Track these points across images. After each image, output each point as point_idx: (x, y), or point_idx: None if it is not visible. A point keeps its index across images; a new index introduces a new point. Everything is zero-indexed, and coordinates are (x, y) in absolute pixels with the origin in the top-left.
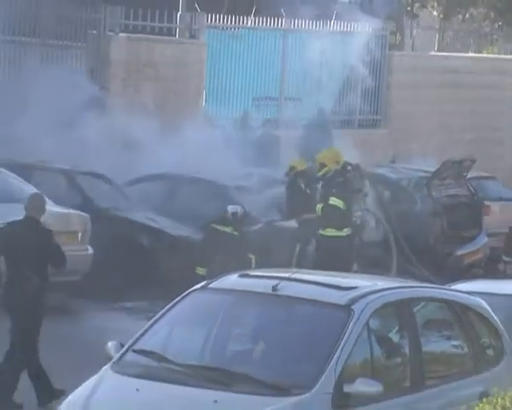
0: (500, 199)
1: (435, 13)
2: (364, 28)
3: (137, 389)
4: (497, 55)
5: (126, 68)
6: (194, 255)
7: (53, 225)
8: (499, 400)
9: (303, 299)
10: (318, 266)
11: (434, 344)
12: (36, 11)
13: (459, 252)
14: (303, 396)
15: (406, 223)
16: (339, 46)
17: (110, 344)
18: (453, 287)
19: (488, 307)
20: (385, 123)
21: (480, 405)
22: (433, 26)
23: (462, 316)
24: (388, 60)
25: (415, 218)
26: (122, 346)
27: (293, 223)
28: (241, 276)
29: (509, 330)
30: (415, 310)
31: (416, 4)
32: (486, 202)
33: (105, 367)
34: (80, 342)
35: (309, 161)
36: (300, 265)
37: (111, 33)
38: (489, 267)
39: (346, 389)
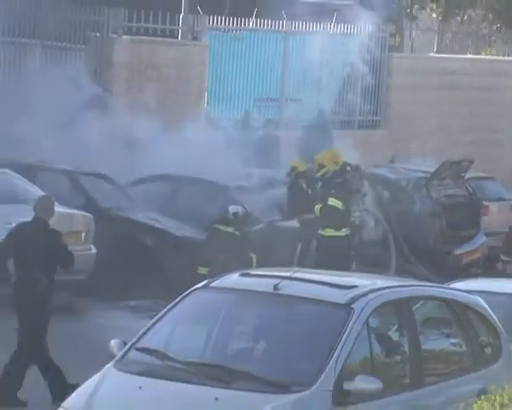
0: (499, 199)
1: (434, 15)
2: (364, 30)
3: (140, 387)
4: (495, 57)
5: (129, 70)
6: (197, 255)
7: (56, 225)
8: (497, 397)
9: (304, 298)
10: (318, 265)
11: (433, 342)
12: (40, 13)
13: (458, 251)
14: (303, 393)
15: (405, 223)
16: (339, 48)
17: (113, 342)
18: (452, 286)
19: (486, 306)
20: (384, 124)
21: (479, 402)
22: (432, 28)
23: (460, 314)
24: (388, 61)
25: (414, 218)
26: (125, 344)
27: (294, 223)
28: (242, 275)
29: (507, 328)
30: (414, 308)
31: (416, 6)
32: (485, 202)
33: (108, 365)
34: (84, 340)
35: (309, 162)
36: (302, 264)
37: (114, 35)
38: (487, 266)
39: (346, 386)
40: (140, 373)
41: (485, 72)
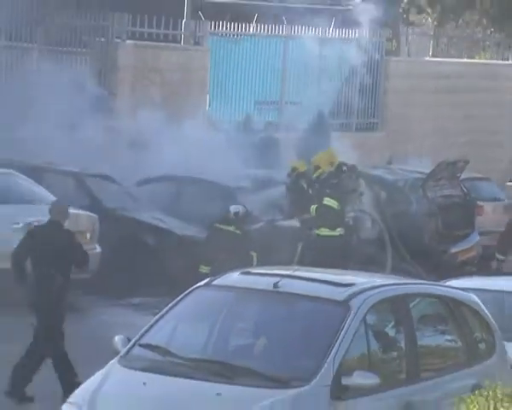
0: (493, 199)
1: (430, 20)
2: (362, 35)
3: (144, 383)
4: (489, 61)
5: (133, 74)
6: (199, 254)
7: None
8: (491, 392)
9: (303, 295)
10: (313, 264)
11: (429, 338)
12: (47, 19)
13: (453, 250)
14: (303, 388)
15: (402, 222)
16: (337, 52)
17: (117, 339)
18: (447, 284)
19: (480, 303)
20: (382, 126)
21: (473, 397)
22: (428, 32)
23: (455, 311)
24: (385, 65)
25: (410, 217)
26: (129, 340)
27: (293, 222)
28: (243, 273)
29: (501, 324)
30: (410, 306)
31: (412, 10)
32: (479, 202)
33: (112, 361)
34: (88, 336)
35: (309, 163)
36: (302, 263)
37: (118, 40)
38: (481, 265)
39: (345, 381)
40: (144, 369)
41: (479, 75)
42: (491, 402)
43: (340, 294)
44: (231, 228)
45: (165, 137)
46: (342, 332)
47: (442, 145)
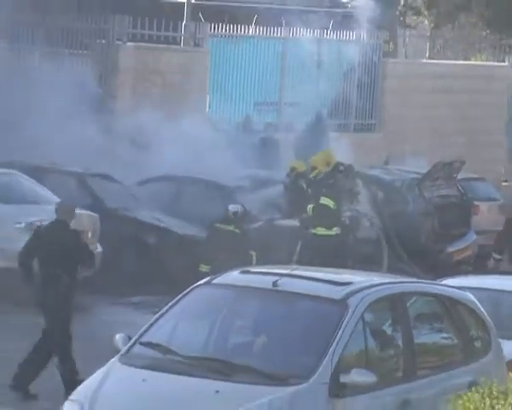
0: (489, 199)
1: (426, 22)
2: (360, 37)
3: (144, 380)
4: (485, 62)
5: (134, 75)
6: (199, 253)
7: None
8: (487, 389)
9: (301, 294)
10: (310, 263)
11: (426, 336)
12: (49, 22)
13: (449, 249)
14: (301, 386)
15: (399, 222)
16: (335, 54)
17: (118, 337)
18: (443, 282)
19: (476, 301)
20: (379, 127)
21: (469, 394)
22: (425, 34)
23: (451, 309)
24: (382, 67)
25: (407, 217)
26: (129, 339)
27: (292, 221)
28: (242, 272)
29: (496, 322)
30: (407, 304)
31: (409, 12)
32: (475, 202)
33: (113, 359)
34: (90, 335)
35: (307, 164)
36: (301, 262)
37: (119, 42)
38: (477, 264)
39: (343, 379)
40: (144, 367)
41: (475, 76)
42: (487, 399)
43: (337, 292)
44: (231, 228)
45: (165, 138)
46: (340, 330)
47: (438, 146)
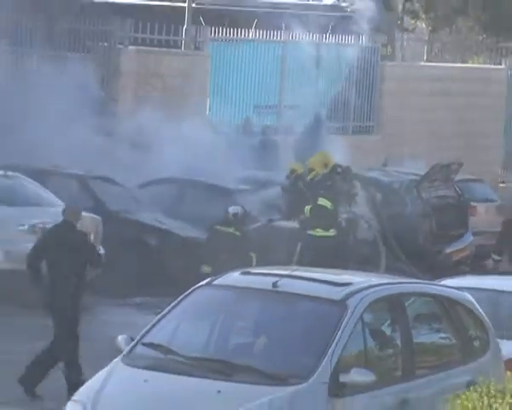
0: (486, 200)
1: (424, 25)
2: (358, 40)
3: (146, 381)
4: (481, 65)
5: (135, 78)
6: (200, 255)
7: None
8: (485, 388)
9: (301, 295)
10: (309, 264)
11: (424, 336)
12: (51, 25)
13: (447, 250)
14: (301, 386)
15: (398, 223)
16: (334, 57)
17: (120, 338)
18: (442, 283)
19: (474, 301)
20: (378, 129)
21: (467, 393)
22: (422, 38)
23: (450, 310)
24: (380, 70)
25: (406, 218)
26: (132, 339)
27: (292, 223)
28: (243, 273)
29: (494, 322)
30: (406, 304)
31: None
32: (473, 203)
33: (116, 360)
34: (93, 335)
35: (304, 165)
36: (301, 263)
37: (121, 46)
38: (475, 264)
39: (342, 378)
40: (146, 367)
41: (472, 79)
42: (485, 398)
43: (337, 293)
44: (231, 230)
45: (166, 140)
46: (339, 331)
47: (436, 148)
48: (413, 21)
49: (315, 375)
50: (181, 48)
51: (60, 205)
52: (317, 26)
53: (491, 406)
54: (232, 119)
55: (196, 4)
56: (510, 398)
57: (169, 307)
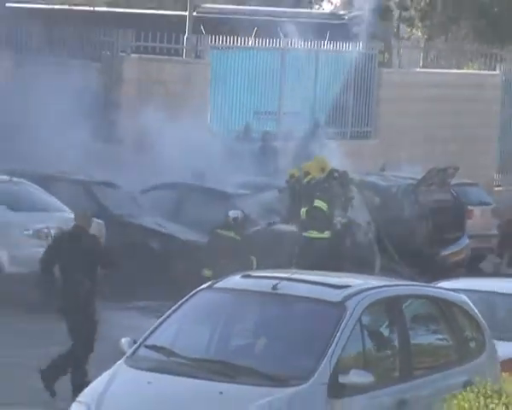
0: (481, 204)
1: (419, 33)
2: (356, 48)
3: (149, 382)
4: (476, 72)
5: (138, 86)
6: (201, 258)
7: None
8: (481, 388)
9: (301, 297)
10: (304, 267)
11: (421, 338)
12: (59, 35)
13: (444, 253)
14: (301, 387)
15: (395, 226)
16: (332, 64)
17: (124, 340)
18: (438, 285)
19: (471, 303)
20: (375, 134)
21: (464, 393)
22: (419, 45)
23: (446, 311)
24: (378, 76)
25: (403, 221)
26: (135, 342)
27: (290, 226)
28: (243, 276)
29: (490, 323)
30: (403, 306)
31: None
32: (469, 207)
33: (119, 362)
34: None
35: (299, 169)
36: (298, 265)
37: (123, 54)
38: (471, 266)
39: (341, 379)
40: (149, 369)
41: (467, 85)
42: (481, 398)
43: (336, 295)
44: (231, 234)
45: (167, 146)
46: (338, 332)
47: (433, 152)
48: (409, 30)
49: (314, 376)
50: (182, 56)
51: (64, 210)
52: (316, 33)
53: (487, 406)
54: (232, 125)
55: (197, 13)
56: (506, 398)
57: (171, 310)
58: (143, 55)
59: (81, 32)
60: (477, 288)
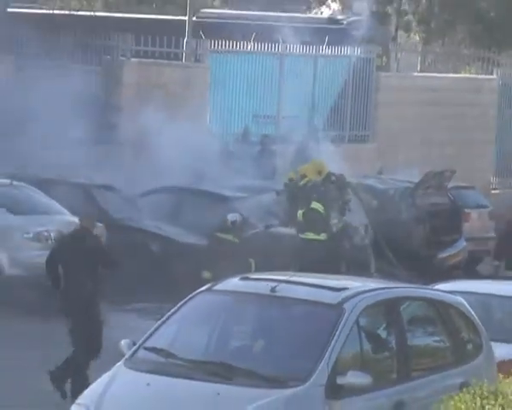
0: (478, 207)
1: (417, 38)
2: (354, 52)
3: (148, 384)
4: (473, 76)
5: (137, 90)
6: (200, 261)
7: None
8: (477, 390)
9: (299, 299)
10: (301, 269)
11: (419, 339)
12: (59, 39)
13: (441, 255)
14: (299, 388)
15: (393, 229)
16: (330, 68)
17: (123, 342)
18: (435, 287)
19: (467, 305)
20: (373, 138)
21: (461, 394)
22: (416, 49)
23: (443, 313)
24: (375, 80)
25: (400, 224)
26: (134, 344)
27: (288, 229)
28: (242, 279)
29: (486, 325)
30: (401, 308)
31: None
32: (466, 210)
33: (118, 363)
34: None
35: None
36: (295, 267)
37: (123, 58)
38: (468, 269)
39: (339, 381)
40: (148, 371)
41: (464, 89)
42: (478, 400)
43: (334, 298)
44: (230, 237)
45: (167, 149)
46: (336, 334)
47: (430, 156)
48: (407, 34)
49: (312, 377)
50: (182, 60)
51: (64, 213)
52: (314, 38)
53: (483, 407)
54: (231, 128)
55: (197, 18)
56: (502, 399)
57: (170, 312)
58: (143, 60)
59: (81, 36)
60: (474, 290)
